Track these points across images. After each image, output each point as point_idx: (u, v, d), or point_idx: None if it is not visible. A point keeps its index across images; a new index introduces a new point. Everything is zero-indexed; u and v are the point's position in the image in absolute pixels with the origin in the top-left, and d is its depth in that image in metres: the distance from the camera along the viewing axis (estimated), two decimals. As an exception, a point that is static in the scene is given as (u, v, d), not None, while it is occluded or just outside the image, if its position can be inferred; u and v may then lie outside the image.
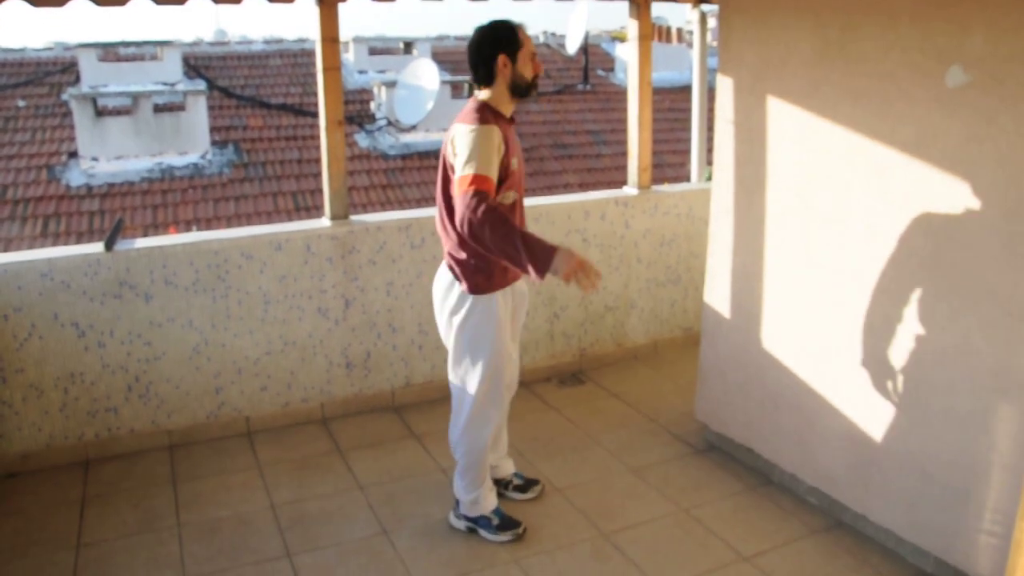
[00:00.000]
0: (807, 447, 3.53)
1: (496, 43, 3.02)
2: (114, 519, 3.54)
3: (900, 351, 3.07)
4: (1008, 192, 2.65)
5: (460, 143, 2.91)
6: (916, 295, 2.98)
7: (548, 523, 3.46)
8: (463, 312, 3.12)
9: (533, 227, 4.66)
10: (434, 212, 4.66)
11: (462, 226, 2.82)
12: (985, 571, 2.87)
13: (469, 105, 3.05)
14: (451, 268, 3.14)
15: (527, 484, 3.67)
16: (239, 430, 4.27)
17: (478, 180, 2.82)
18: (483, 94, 3.08)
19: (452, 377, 3.26)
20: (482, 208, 2.77)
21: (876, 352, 3.17)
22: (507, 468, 3.66)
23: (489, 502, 3.38)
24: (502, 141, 2.96)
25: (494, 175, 2.90)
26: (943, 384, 2.93)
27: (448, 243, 3.14)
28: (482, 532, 3.38)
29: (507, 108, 3.10)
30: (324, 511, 3.58)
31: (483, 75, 3.06)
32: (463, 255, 3.07)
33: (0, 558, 3.29)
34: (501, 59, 3.02)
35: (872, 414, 3.22)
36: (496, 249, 2.81)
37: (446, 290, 3.17)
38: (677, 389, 4.71)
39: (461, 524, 3.43)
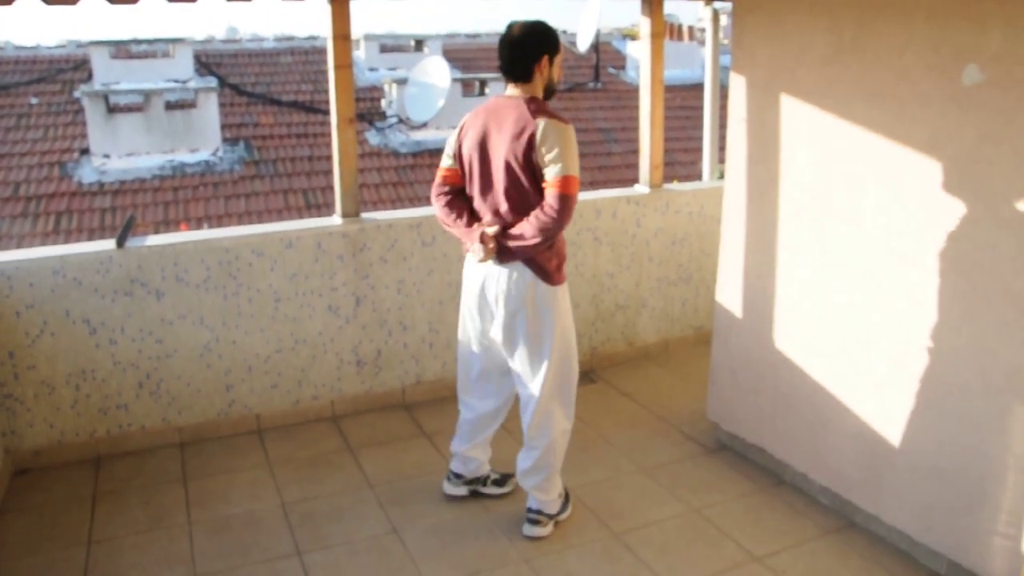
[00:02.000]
0: (819, 447, 3.51)
1: (543, 42, 3.05)
2: (125, 516, 3.55)
3: (914, 351, 3.05)
4: (1025, 192, 2.63)
5: (555, 141, 2.92)
6: (930, 295, 2.96)
7: (559, 522, 3.45)
8: (555, 305, 3.14)
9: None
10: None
11: (557, 223, 2.93)
12: (999, 574, 2.85)
13: (528, 103, 3.00)
14: (531, 263, 3.09)
15: (504, 478, 3.66)
16: (250, 427, 4.28)
17: (575, 184, 2.95)
18: (524, 90, 3.07)
19: (543, 375, 3.18)
20: (571, 212, 2.96)
21: (889, 352, 3.14)
22: (486, 465, 3.64)
23: (558, 484, 3.40)
24: None
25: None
26: (958, 385, 2.91)
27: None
28: (560, 517, 3.41)
29: None
30: (334, 509, 3.58)
31: (520, 72, 3.06)
32: (547, 250, 3.09)
33: (12, 554, 3.30)
34: (544, 59, 3.05)
35: (885, 414, 3.19)
36: (549, 245, 3.05)
37: (523, 290, 3.09)
38: (688, 388, 4.69)
39: (546, 531, 3.35)
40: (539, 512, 3.33)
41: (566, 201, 2.92)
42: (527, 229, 2.98)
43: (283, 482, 3.81)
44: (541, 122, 2.94)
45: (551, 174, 2.93)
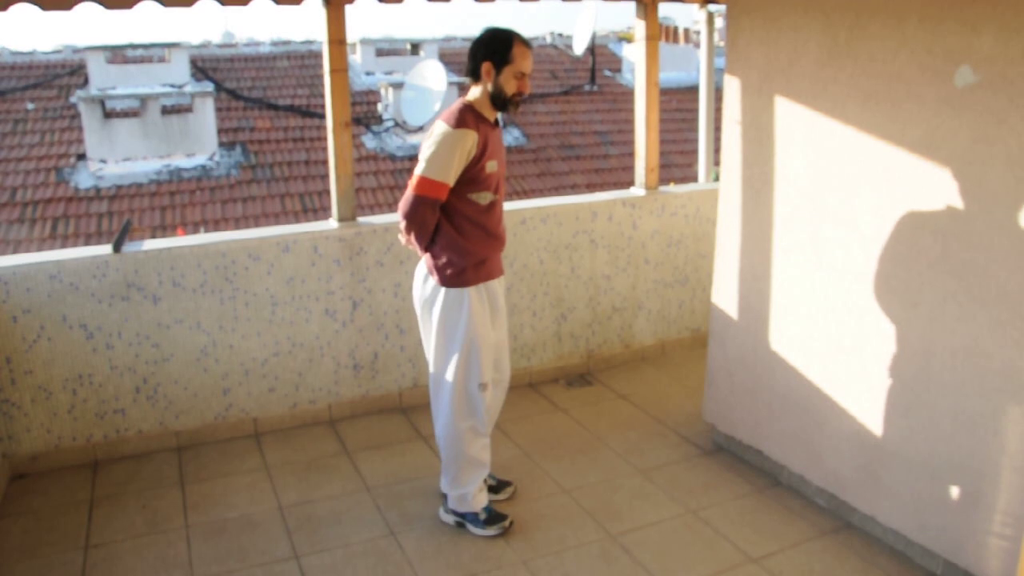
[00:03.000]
0: (815, 448, 3.52)
1: (486, 48, 3.11)
2: (122, 520, 3.55)
3: (909, 352, 3.06)
4: (1018, 192, 2.64)
5: (429, 141, 3.08)
6: (925, 296, 2.97)
7: (555, 524, 3.46)
8: (437, 303, 3.25)
9: (540, 228, 4.67)
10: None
11: (401, 215, 3.14)
12: (995, 574, 2.86)
13: (455, 104, 3.16)
14: (425, 262, 3.29)
15: (500, 485, 3.67)
16: (247, 431, 4.28)
17: (424, 184, 3.07)
18: (471, 93, 3.18)
19: (431, 368, 3.35)
20: (416, 215, 3.11)
21: (885, 353, 3.15)
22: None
23: (478, 501, 3.40)
24: (475, 145, 3.09)
25: (448, 179, 3.08)
26: (952, 385, 2.92)
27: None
28: (469, 527, 3.41)
29: (490, 113, 3.20)
30: (332, 512, 3.59)
31: (471, 74, 3.17)
32: (436, 249, 3.21)
33: (10, 558, 3.30)
34: (485, 65, 3.11)
35: (881, 416, 3.20)
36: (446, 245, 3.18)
37: (422, 282, 3.32)
38: (685, 390, 4.70)
39: (450, 519, 3.46)
40: (446, 496, 3.47)
41: (407, 200, 3.11)
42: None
43: (280, 486, 3.81)
44: (436, 122, 3.10)
45: (415, 170, 3.10)
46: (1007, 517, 2.80)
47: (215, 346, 4.13)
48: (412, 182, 3.10)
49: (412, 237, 3.19)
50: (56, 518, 3.57)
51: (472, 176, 3.12)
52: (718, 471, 3.87)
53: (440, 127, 3.07)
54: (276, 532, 3.45)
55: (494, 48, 3.10)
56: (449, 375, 3.28)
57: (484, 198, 3.19)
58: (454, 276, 3.19)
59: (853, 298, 3.26)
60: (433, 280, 3.24)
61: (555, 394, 4.73)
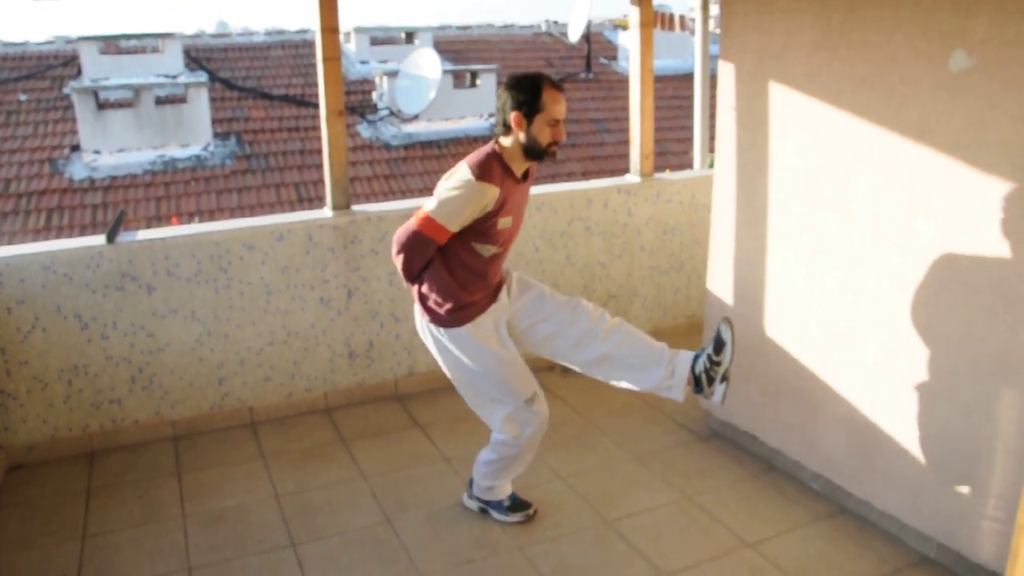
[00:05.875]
0: (810, 434, 3.53)
1: (513, 98, 2.91)
2: (119, 510, 3.55)
3: (903, 337, 3.06)
4: (1011, 177, 2.64)
5: (450, 181, 2.89)
6: (919, 281, 2.98)
7: (552, 511, 3.47)
8: (430, 343, 3.15)
9: (535, 215, 4.67)
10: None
11: (394, 245, 2.97)
12: (988, 556, 2.88)
13: (487, 147, 2.96)
14: (415, 296, 3.14)
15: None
16: (243, 420, 4.28)
17: (428, 224, 2.88)
18: (502, 141, 2.98)
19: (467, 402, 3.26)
20: (410, 248, 2.93)
21: (879, 339, 3.16)
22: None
23: (504, 490, 3.39)
24: (493, 201, 2.90)
25: (453, 228, 2.90)
26: (946, 370, 2.93)
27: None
28: (493, 513, 3.41)
29: (519, 165, 3.00)
30: (328, 501, 3.59)
31: (501, 124, 2.97)
32: (424, 286, 3.06)
33: (7, 548, 3.30)
34: (515, 116, 2.90)
35: (875, 401, 3.21)
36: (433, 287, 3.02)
37: (418, 317, 3.17)
38: (680, 377, 4.70)
39: (473, 505, 3.46)
40: (472, 482, 3.43)
41: (407, 231, 2.93)
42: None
43: (277, 474, 3.81)
44: (463, 164, 2.91)
45: (425, 204, 2.91)
46: (1000, 500, 2.81)
47: (210, 335, 4.12)
48: (418, 214, 2.90)
49: (399, 267, 3.02)
50: (53, 508, 3.58)
51: (481, 229, 2.94)
52: (713, 457, 3.88)
53: (464, 172, 2.86)
54: (272, 520, 3.45)
55: (522, 97, 2.88)
56: (485, 404, 3.17)
57: (487, 251, 3.00)
58: (444, 316, 3.04)
59: (848, 283, 3.26)
60: (425, 319, 3.10)
61: (551, 381, 4.73)
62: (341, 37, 4.27)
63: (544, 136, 2.92)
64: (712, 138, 4.75)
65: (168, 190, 11.34)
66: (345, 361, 4.43)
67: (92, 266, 3.85)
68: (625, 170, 5.21)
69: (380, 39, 15.59)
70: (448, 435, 4.12)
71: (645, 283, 5.15)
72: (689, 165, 6.40)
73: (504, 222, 2.99)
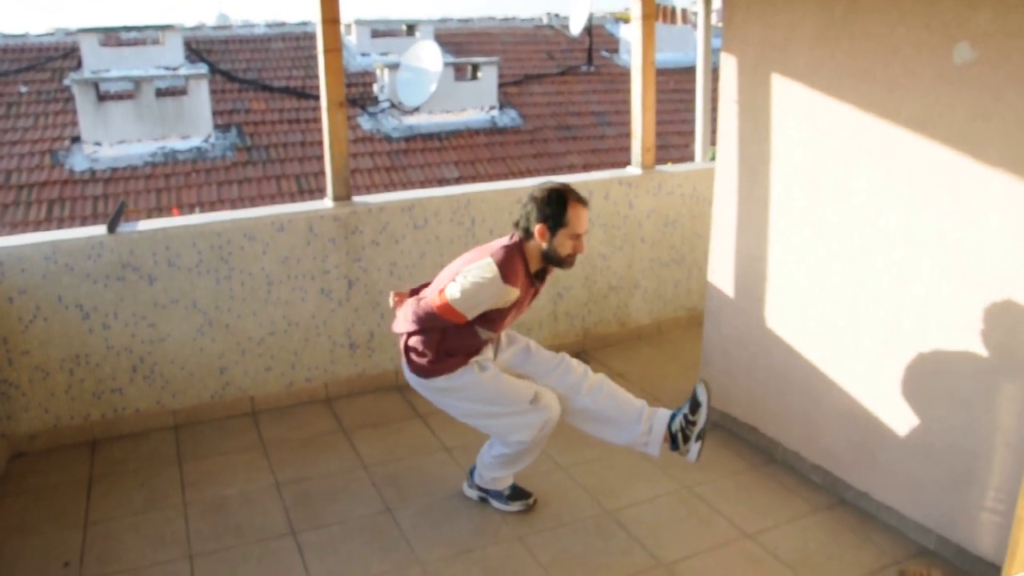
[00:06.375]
0: (811, 426, 3.53)
1: (539, 211, 2.99)
2: (121, 498, 3.56)
3: (904, 330, 3.07)
4: (1014, 170, 2.64)
5: (474, 272, 2.96)
6: (921, 274, 2.98)
7: (552, 501, 3.48)
8: (429, 396, 3.25)
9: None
10: (435, 193, 4.66)
11: (412, 320, 3.10)
12: (987, 549, 2.88)
13: (511, 242, 3.04)
14: (403, 350, 3.23)
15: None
16: (243, 410, 4.29)
17: (448, 311, 3.00)
18: (526, 242, 3.05)
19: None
20: (426, 324, 3.08)
21: (880, 331, 3.16)
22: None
23: (506, 480, 3.41)
24: (511, 301, 3.02)
25: (470, 317, 3.02)
26: (947, 363, 2.93)
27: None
28: (493, 502, 3.42)
29: (536, 263, 3.09)
30: (328, 490, 3.60)
31: (524, 229, 3.05)
32: (416, 340, 3.15)
33: (10, 535, 3.31)
34: (540, 228, 2.99)
35: (876, 393, 3.22)
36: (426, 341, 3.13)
37: (408, 378, 3.25)
38: (681, 369, 4.71)
39: (473, 494, 3.47)
40: (474, 471, 3.47)
41: (427, 311, 3.05)
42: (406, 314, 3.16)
43: (277, 463, 3.82)
44: (484, 257, 3.00)
45: (448, 289, 3.00)
46: (1000, 493, 2.82)
47: (211, 325, 4.13)
48: (439, 298, 3.01)
49: (403, 319, 3.15)
50: (55, 496, 3.59)
51: (490, 317, 3.06)
52: (713, 448, 3.88)
53: (490, 268, 2.95)
54: (273, 509, 3.46)
55: (548, 211, 2.98)
56: (495, 424, 3.19)
57: (486, 334, 3.12)
58: (426, 367, 3.14)
59: (848, 276, 3.26)
60: (407, 368, 3.21)
61: (551, 373, 4.74)
62: (342, 29, 4.26)
63: (565, 248, 3.03)
64: (714, 131, 4.75)
65: (169, 182, 11.32)
66: (346, 351, 4.44)
67: (93, 256, 3.86)
68: (626, 164, 5.21)
69: (381, 31, 15.54)
70: (448, 425, 4.11)
71: (646, 275, 5.16)
72: (690, 159, 6.40)
73: (512, 314, 3.12)
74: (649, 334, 5.26)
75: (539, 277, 3.17)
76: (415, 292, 3.30)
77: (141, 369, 4.06)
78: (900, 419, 3.13)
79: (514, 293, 3.00)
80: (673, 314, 5.33)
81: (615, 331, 5.15)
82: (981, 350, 2.82)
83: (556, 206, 2.98)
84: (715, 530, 3.29)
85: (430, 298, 3.06)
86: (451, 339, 3.10)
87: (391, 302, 3.30)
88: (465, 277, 2.97)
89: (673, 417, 3.19)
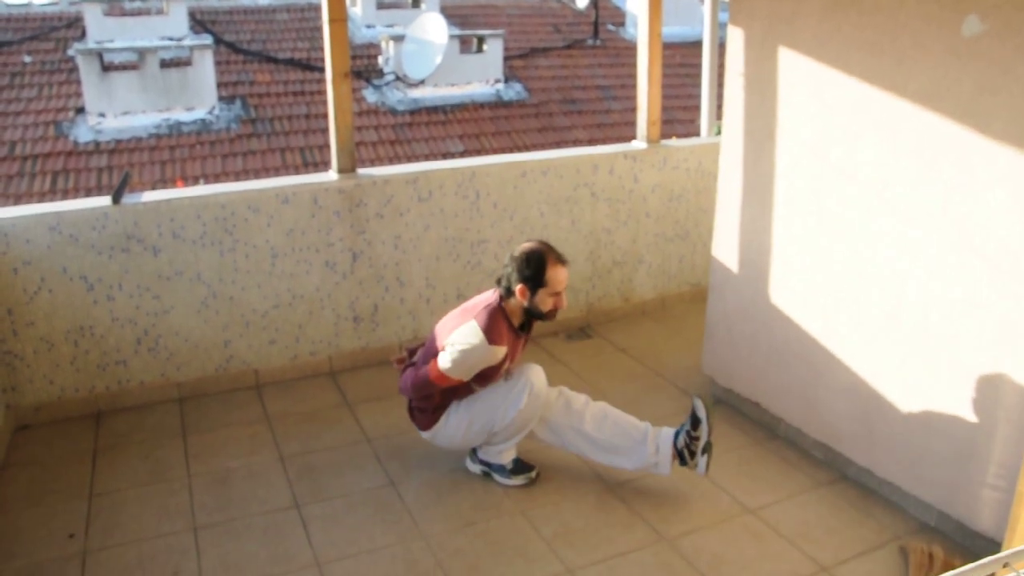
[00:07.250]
0: (813, 401, 3.53)
1: (519, 272, 3.16)
2: (125, 469, 3.59)
3: (908, 304, 3.06)
4: (1020, 143, 2.62)
5: (461, 340, 3.13)
6: (925, 247, 2.96)
7: (554, 475, 3.49)
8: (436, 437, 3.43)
9: (541, 180, 4.66)
10: (440, 166, 4.65)
11: (410, 390, 3.32)
12: (988, 525, 2.89)
13: (491, 304, 3.20)
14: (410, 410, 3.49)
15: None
16: (248, 383, 4.31)
17: (442, 379, 3.20)
18: (507, 299, 3.22)
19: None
20: (423, 392, 3.30)
21: (884, 306, 3.15)
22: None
23: (508, 455, 3.43)
24: (500, 358, 3.19)
25: (464, 379, 3.22)
26: (950, 337, 2.93)
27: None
28: (496, 476, 3.45)
29: (518, 319, 3.26)
30: (332, 463, 3.62)
31: (506, 288, 3.21)
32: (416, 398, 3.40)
33: (16, 506, 3.34)
34: (520, 288, 3.16)
35: (878, 368, 3.21)
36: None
37: (428, 436, 3.46)
38: (684, 344, 4.71)
39: (477, 468, 3.50)
40: (476, 448, 3.53)
41: (423, 380, 3.25)
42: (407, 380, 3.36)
43: (281, 436, 3.84)
44: (468, 321, 3.16)
45: (439, 359, 3.19)
46: (1001, 469, 2.82)
47: (215, 298, 4.13)
48: (433, 370, 3.19)
49: (407, 387, 3.35)
50: (60, 467, 3.61)
51: (484, 374, 3.23)
52: (716, 423, 3.88)
53: (475, 333, 3.11)
54: (277, 481, 3.49)
55: (528, 273, 3.15)
56: (493, 421, 3.31)
57: (479, 389, 3.32)
58: (426, 420, 3.39)
59: (853, 250, 3.25)
60: (422, 432, 3.44)
61: (555, 347, 4.75)
62: (347, 0, 4.22)
63: (546, 305, 3.21)
64: (720, 106, 4.71)
65: (173, 153, 11.29)
66: (350, 324, 4.44)
67: (98, 227, 3.85)
68: (631, 138, 5.18)
69: (387, 3, 15.40)
70: (452, 399, 4.14)
71: (650, 250, 5.14)
72: (696, 134, 6.36)
73: (506, 365, 3.27)
74: (653, 309, 5.25)
75: (524, 328, 3.33)
76: (412, 352, 3.52)
77: (145, 341, 4.07)
78: (902, 395, 3.13)
79: (502, 351, 3.16)
80: (677, 289, 5.32)
81: (619, 306, 5.14)
82: (984, 325, 2.81)
83: (535, 268, 3.15)
84: (717, 505, 3.30)
85: (425, 369, 3.25)
86: (447, 397, 3.32)
87: (393, 365, 3.54)
88: (453, 347, 3.14)
89: (677, 435, 3.30)
